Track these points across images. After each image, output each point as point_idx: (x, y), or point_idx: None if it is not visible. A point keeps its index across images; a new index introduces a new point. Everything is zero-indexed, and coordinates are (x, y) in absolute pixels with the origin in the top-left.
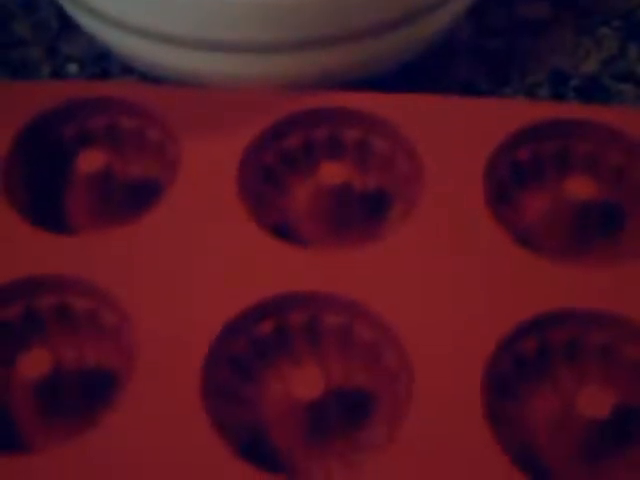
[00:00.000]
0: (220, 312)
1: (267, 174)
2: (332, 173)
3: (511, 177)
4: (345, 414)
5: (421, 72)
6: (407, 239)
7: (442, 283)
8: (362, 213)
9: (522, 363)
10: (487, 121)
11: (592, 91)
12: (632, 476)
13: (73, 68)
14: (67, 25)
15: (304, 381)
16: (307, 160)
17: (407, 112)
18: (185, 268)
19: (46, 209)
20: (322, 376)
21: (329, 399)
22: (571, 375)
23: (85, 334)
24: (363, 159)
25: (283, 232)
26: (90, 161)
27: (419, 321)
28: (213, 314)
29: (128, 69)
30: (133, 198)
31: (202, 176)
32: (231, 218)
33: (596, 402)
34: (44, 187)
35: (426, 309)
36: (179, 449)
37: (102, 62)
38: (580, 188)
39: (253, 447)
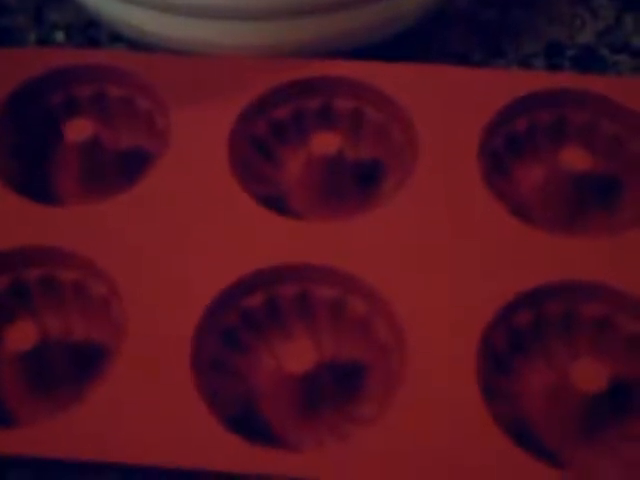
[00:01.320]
0: (211, 284)
1: (258, 144)
2: (324, 143)
3: (507, 148)
4: (337, 387)
5: (415, 42)
6: (401, 210)
7: (436, 254)
8: (356, 184)
9: (517, 336)
10: (483, 92)
11: (588, 62)
12: (627, 447)
13: (60, 36)
14: None
15: (296, 354)
16: (299, 130)
17: (401, 82)
18: (175, 239)
19: (33, 179)
20: (314, 349)
21: (321, 372)
22: (566, 348)
23: (74, 306)
24: (356, 129)
25: (275, 203)
26: (77, 130)
27: (412, 294)
28: (204, 286)
29: (116, 37)
30: (122, 168)
31: (192, 146)
32: (222, 189)
33: (591, 375)
34: (31, 157)
35: (420, 281)
36: (168, 421)
37: (90, 30)
38: (575, 159)
39: (245, 419)
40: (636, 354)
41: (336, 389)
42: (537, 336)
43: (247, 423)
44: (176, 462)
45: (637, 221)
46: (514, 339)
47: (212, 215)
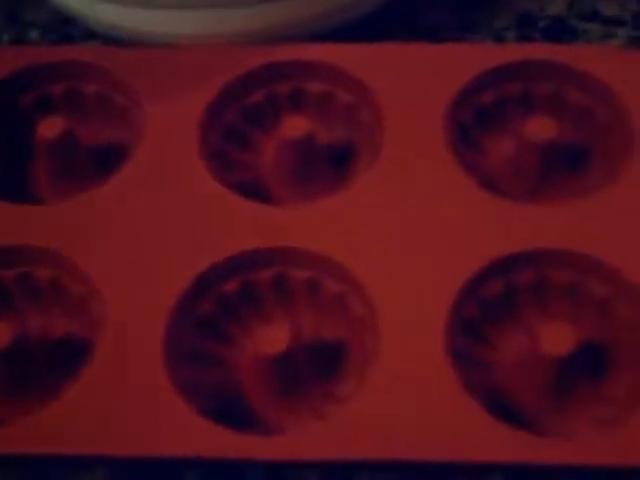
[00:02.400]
0: (185, 272)
1: (231, 131)
2: (294, 126)
3: (475, 121)
4: (316, 366)
5: (387, 20)
6: (370, 189)
7: (407, 230)
8: (329, 166)
9: (488, 305)
10: (448, 66)
11: (559, 32)
12: (601, 408)
13: (34, 34)
14: None
15: (270, 337)
16: (271, 116)
17: (370, 62)
18: (151, 230)
19: (9, 178)
20: (287, 331)
21: (297, 353)
22: (537, 315)
23: (50, 304)
24: (328, 112)
25: (251, 189)
26: (50, 127)
27: (383, 269)
28: (179, 274)
29: (91, 34)
30: (98, 163)
31: (165, 138)
32: (195, 178)
33: (558, 339)
34: (6, 156)
35: (390, 257)
36: (147, 412)
37: (65, 28)
38: (541, 129)
39: (226, 406)
40: (606, 317)
41: (315, 369)
42: (508, 304)
43: (228, 410)
44: (156, 452)
45: (602, 186)
46: (485, 308)
47: (186, 204)
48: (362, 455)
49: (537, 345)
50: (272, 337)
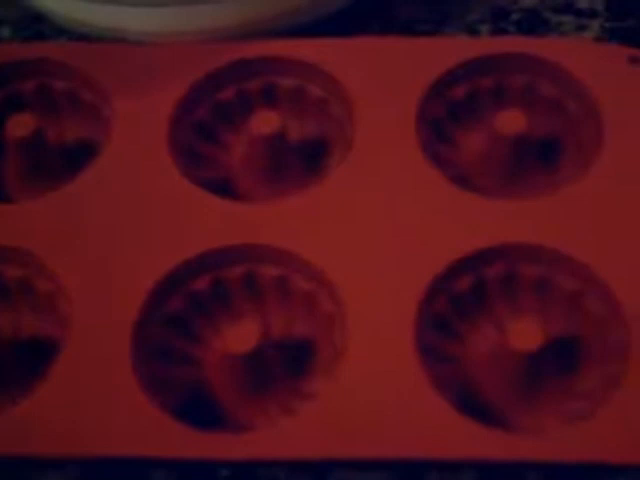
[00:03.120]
0: (155, 269)
1: (201, 128)
2: (265, 121)
3: (448, 115)
4: (285, 364)
5: (361, 15)
6: (341, 185)
7: (377, 226)
8: (301, 162)
9: (458, 300)
10: (420, 60)
11: (533, 25)
12: (570, 404)
13: (6, 31)
14: None
15: (238, 335)
16: (242, 112)
17: (341, 57)
18: (120, 228)
19: None
20: (256, 329)
21: (266, 350)
22: (508, 310)
23: (19, 303)
24: (299, 107)
25: (222, 186)
26: (19, 125)
27: (353, 266)
28: (148, 271)
29: (62, 31)
30: (68, 161)
31: (135, 135)
32: (164, 175)
33: (525, 335)
34: None
35: (360, 253)
36: (114, 412)
37: (36, 25)
38: (511, 122)
39: (196, 404)
40: (576, 312)
41: (285, 366)
42: (478, 299)
43: (198, 408)
44: (124, 453)
45: (572, 180)
46: (455, 303)
47: (155, 202)
48: (331, 454)
49: (506, 341)
50: (241, 335)
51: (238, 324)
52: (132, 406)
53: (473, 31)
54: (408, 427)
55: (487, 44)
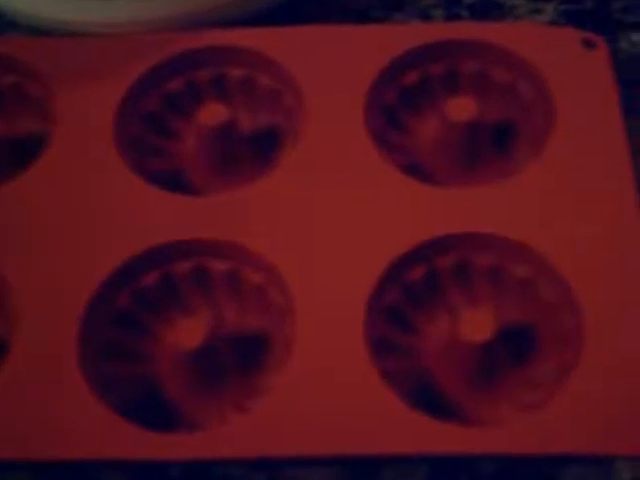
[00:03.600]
0: (102, 265)
1: (151, 119)
2: (213, 113)
3: (400, 102)
4: (238, 359)
5: (313, 2)
6: (291, 176)
7: (327, 217)
8: (252, 153)
9: (412, 290)
10: (371, 47)
11: (487, 9)
12: (526, 396)
13: None
14: None
15: (186, 331)
16: (192, 102)
17: (291, 45)
18: (67, 223)
19: None
20: (204, 324)
21: (217, 345)
22: (461, 299)
23: None
24: (250, 97)
25: (171, 178)
26: None
27: (302, 258)
28: (96, 267)
29: (12, 25)
30: (16, 155)
31: (82, 128)
32: (111, 168)
33: (478, 326)
34: None
35: (310, 245)
36: (62, 413)
37: None
38: (461, 109)
39: (146, 401)
40: (529, 299)
41: (237, 361)
42: (432, 289)
43: (149, 406)
44: (72, 455)
45: (524, 167)
46: (409, 293)
47: (102, 197)
48: (283, 452)
49: (457, 332)
50: (189, 331)
51: (186, 320)
52: (80, 407)
53: (426, 16)
54: (359, 423)
55: (438, 30)
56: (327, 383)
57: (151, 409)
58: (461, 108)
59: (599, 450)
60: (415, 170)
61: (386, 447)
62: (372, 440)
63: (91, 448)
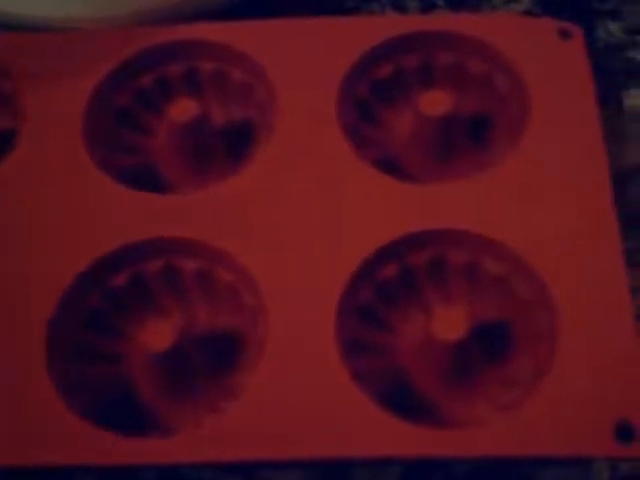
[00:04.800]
0: (71, 265)
1: (122, 115)
2: (184, 109)
3: (373, 95)
4: (210, 359)
5: None
6: (262, 173)
7: (299, 215)
8: (225, 148)
9: (385, 288)
10: (343, 40)
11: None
12: (502, 395)
13: None
14: None
15: (156, 333)
16: (164, 97)
17: (261, 39)
18: (35, 222)
19: None
20: (173, 326)
21: (188, 346)
22: (436, 297)
23: None
24: (222, 91)
25: (143, 174)
26: None
27: (273, 257)
28: (64, 267)
29: None
30: None
31: (51, 124)
32: (79, 166)
33: (451, 324)
34: None
35: (282, 244)
36: (30, 417)
37: None
38: (435, 103)
39: (118, 403)
40: (504, 296)
41: (210, 361)
42: (406, 287)
43: (121, 409)
44: (42, 461)
45: (499, 161)
46: (382, 292)
47: (70, 195)
48: (254, 456)
49: (430, 331)
50: (158, 333)
51: (156, 322)
52: (50, 411)
53: (401, 8)
54: (331, 425)
55: (412, 22)
56: (299, 384)
57: (124, 411)
58: (434, 102)
59: (577, 452)
60: (390, 164)
61: (358, 450)
62: (343, 442)
63: (60, 454)
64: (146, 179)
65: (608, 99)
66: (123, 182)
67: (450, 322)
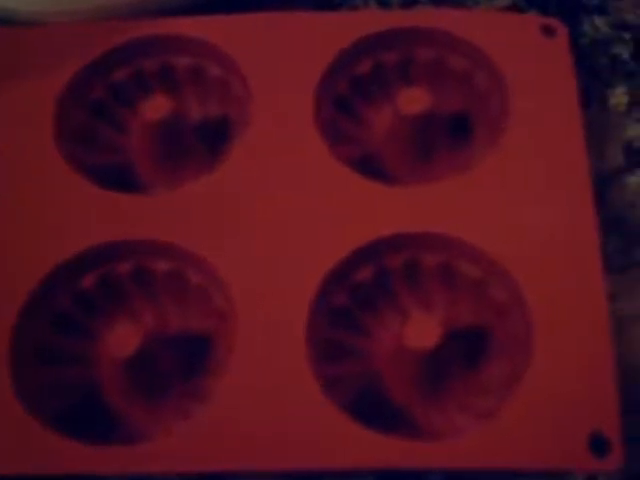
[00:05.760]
0: (38, 266)
1: (98, 109)
2: (156, 107)
3: (352, 92)
4: (180, 362)
5: None
6: (236, 172)
7: (272, 216)
8: (201, 144)
9: (360, 292)
10: (322, 35)
11: None
12: (477, 402)
13: None
14: None
15: (120, 338)
16: (139, 93)
17: (240, 34)
18: (3, 220)
19: None
20: (139, 330)
21: (155, 350)
22: (411, 302)
23: None
24: (199, 87)
25: (116, 174)
26: None
27: (243, 258)
28: (31, 268)
29: None
30: None
31: (21, 119)
32: (48, 163)
33: (423, 332)
34: None
35: (254, 246)
36: None
37: None
38: (412, 101)
39: (88, 408)
40: (480, 300)
41: (181, 364)
42: (381, 291)
43: (91, 414)
44: (6, 470)
45: (478, 163)
46: (356, 296)
47: (38, 193)
48: (221, 466)
49: (403, 338)
50: (123, 338)
51: (123, 325)
52: (10, 417)
53: (383, 3)
54: (299, 434)
55: (392, 17)
56: (267, 391)
57: (91, 417)
58: (412, 100)
59: (552, 465)
60: (369, 162)
61: (328, 461)
62: (314, 454)
63: (20, 462)
64: (121, 177)
65: (592, 97)
66: (97, 180)
67: (423, 330)
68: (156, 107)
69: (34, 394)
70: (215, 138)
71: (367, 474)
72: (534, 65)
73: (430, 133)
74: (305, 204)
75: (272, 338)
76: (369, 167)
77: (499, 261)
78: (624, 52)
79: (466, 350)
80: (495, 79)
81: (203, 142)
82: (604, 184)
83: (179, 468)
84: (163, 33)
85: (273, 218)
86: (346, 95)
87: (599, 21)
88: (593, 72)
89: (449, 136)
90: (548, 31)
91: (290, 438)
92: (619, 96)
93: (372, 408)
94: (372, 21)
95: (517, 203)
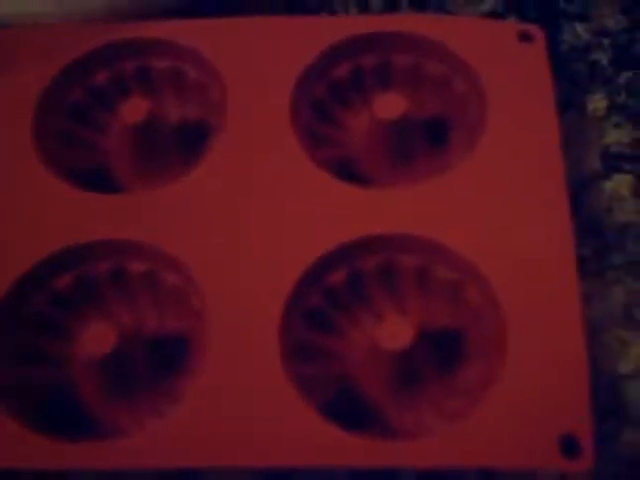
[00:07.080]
0: (14, 267)
1: (76, 112)
2: (133, 110)
3: (330, 96)
4: (155, 362)
5: None
6: (211, 174)
7: (247, 217)
8: (179, 147)
9: (334, 294)
10: (300, 39)
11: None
12: (450, 404)
13: None
14: None
15: (95, 338)
16: (117, 95)
17: (217, 38)
18: None
19: None
20: (113, 330)
21: (130, 350)
22: (387, 303)
23: None
24: (177, 90)
25: (95, 175)
26: None
27: (219, 260)
28: (7, 267)
29: None
30: None
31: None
32: (25, 163)
33: (396, 333)
34: None
35: (228, 247)
36: None
37: None
38: (388, 106)
39: (61, 406)
40: (456, 303)
41: (156, 364)
42: (356, 292)
43: (64, 410)
44: None
45: (454, 167)
46: (331, 297)
47: (14, 194)
48: (194, 463)
49: (376, 339)
50: (99, 337)
51: (98, 325)
52: None
53: (364, 8)
54: (272, 433)
55: (369, 22)
56: (240, 389)
57: (64, 414)
58: (388, 105)
59: (523, 464)
60: (347, 166)
61: (300, 459)
62: (286, 451)
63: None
64: (99, 178)
65: (571, 103)
66: (74, 181)
67: (396, 331)
68: (135, 109)
69: (8, 391)
70: (193, 140)
71: (340, 472)
72: (511, 71)
73: (407, 137)
74: (281, 206)
75: (245, 339)
76: (347, 170)
77: (474, 263)
78: (603, 58)
79: (441, 352)
80: (473, 84)
81: (181, 144)
82: (581, 188)
83: (152, 464)
84: (142, 36)
85: (249, 220)
86: (324, 99)
87: (580, 28)
88: (572, 78)
89: (427, 140)
90: (526, 37)
91: (262, 437)
92: (597, 102)
93: (346, 408)
94: (349, 25)
95: (493, 207)
